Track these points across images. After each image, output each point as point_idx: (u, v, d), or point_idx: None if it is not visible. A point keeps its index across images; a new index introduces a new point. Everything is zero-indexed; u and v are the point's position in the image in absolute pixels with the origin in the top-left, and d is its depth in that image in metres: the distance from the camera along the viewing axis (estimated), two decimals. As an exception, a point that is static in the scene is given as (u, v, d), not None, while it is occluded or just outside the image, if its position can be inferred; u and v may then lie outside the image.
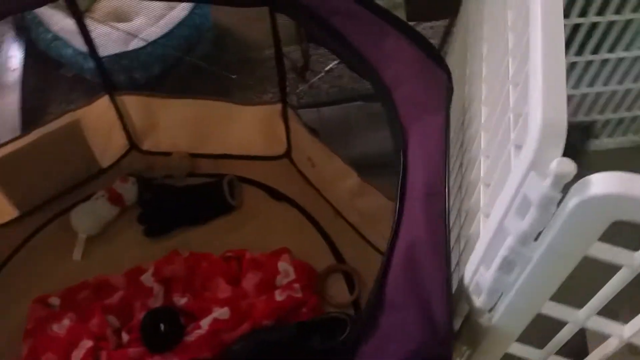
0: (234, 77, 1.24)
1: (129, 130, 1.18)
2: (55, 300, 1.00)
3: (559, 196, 0.33)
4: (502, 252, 0.40)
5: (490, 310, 0.47)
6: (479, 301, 0.47)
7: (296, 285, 1.02)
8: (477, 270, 0.45)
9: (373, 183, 1.00)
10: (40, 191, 1.10)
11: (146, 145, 1.22)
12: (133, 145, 1.21)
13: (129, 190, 1.13)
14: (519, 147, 0.40)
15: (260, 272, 1.05)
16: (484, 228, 0.46)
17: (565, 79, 0.33)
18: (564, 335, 0.46)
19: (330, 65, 1.35)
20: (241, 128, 1.17)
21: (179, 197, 1.17)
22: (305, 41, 1.42)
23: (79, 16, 0.95)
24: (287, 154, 1.22)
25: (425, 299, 0.46)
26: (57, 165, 1.10)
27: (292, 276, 1.04)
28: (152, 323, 0.97)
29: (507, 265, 0.40)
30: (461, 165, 0.62)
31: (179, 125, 1.18)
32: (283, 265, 1.06)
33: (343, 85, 1.38)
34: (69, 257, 1.07)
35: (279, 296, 1.01)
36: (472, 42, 0.72)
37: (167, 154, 1.21)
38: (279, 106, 1.11)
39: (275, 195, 1.19)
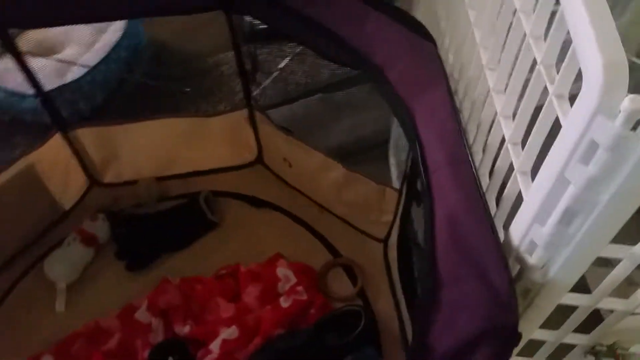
0: (187, 90, 1.20)
1: (87, 165, 1.11)
2: (48, 358, 0.93)
3: (632, 134, 0.33)
4: (565, 203, 0.39)
5: (543, 266, 0.47)
6: (532, 259, 0.46)
7: (299, 288, 1.00)
8: (529, 230, 0.44)
9: (358, 170, 0.99)
10: (5, 245, 1.02)
11: (108, 178, 1.15)
12: (94, 180, 1.14)
13: (100, 228, 1.07)
14: (561, 97, 0.40)
15: (259, 283, 1.02)
16: (527, 187, 0.46)
17: (610, 13, 0.33)
18: (619, 273, 0.46)
19: (283, 63, 1.33)
20: (207, 141, 1.13)
21: (155, 224, 1.11)
22: (247, 44, 1.39)
23: (18, 52, 0.88)
24: (259, 160, 1.19)
25: (481, 267, 0.45)
26: (19, 215, 1.02)
27: (294, 280, 1.02)
28: (160, 359, 0.92)
29: (569, 216, 0.40)
30: (466, 132, 0.62)
31: (140, 150, 1.12)
32: (281, 270, 1.03)
33: (299, 81, 1.36)
34: (51, 310, 0.99)
35: (284, 303, 0.98)
36: (444, 12, 0.72)
37: (132, 182, 1.15)
38: (244, 112, 1.08)
39: (256, 202, 1.15)
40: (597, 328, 0.54)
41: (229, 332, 0.94)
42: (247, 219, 1.13)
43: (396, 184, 1.06)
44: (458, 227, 0.48)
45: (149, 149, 1.12)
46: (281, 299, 0.99)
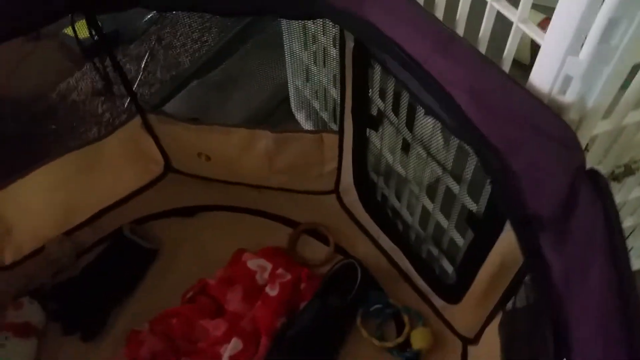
0: (53, 127, 1.03)
1: (-23, 254, 0.92)
2: None
3: None
4: (605, 15, 0.39)
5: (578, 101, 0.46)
6: (567, 97, 0.46)
7: (279, 271, 0.93)
8: (562, 67, 0.44)
9: (286, 129, 0.93)
10: None
11: (9, 258, 0.96)
12: (-8, 268, 0.95)
13: (31, 313, 0.89)
14: None
15: (236, 285, 0.93)
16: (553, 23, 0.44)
17: None
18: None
19: (143, 62, 1.20)
20: (106, 169, 0.99)
21: (89, 282, 0.96)
22: (94, 59, 1.24)
23: None
24: (168, 168, 1.07)
25: (534, 125, 0.44)
26: None
27: (269, 265, 0.95)
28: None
29: (610, 29, 0.40)
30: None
31: (32, 210, 0.94)
32: (252, 262, 0.95)
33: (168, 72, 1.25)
34: None
35: (272, 291, 0.92)
36: None
37: (38, 250, 0.98)
38: (137, 119, 0.95)
39: (186, 212, 1.05)
40: (611, 151, 0.57)
41: (233, 347, 0.86)
42: (186, 231, 1.02)
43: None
44: (487, 99, 0.46)
45: (42, 205, 0.95)
46: (267, 290, 0.92)
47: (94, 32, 0.96)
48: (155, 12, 1.44)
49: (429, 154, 0.73)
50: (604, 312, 0.36)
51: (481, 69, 0.47)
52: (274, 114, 1.19)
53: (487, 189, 0.60)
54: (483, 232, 0.65)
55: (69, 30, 1.35)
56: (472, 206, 0.68)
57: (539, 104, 0.45)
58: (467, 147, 0.60)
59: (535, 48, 0.47)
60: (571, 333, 0.36)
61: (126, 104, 1.18)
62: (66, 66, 1.34)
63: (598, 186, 0.40)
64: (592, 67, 0.43)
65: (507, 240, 0.61)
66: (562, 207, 0.40)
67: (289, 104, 1.18)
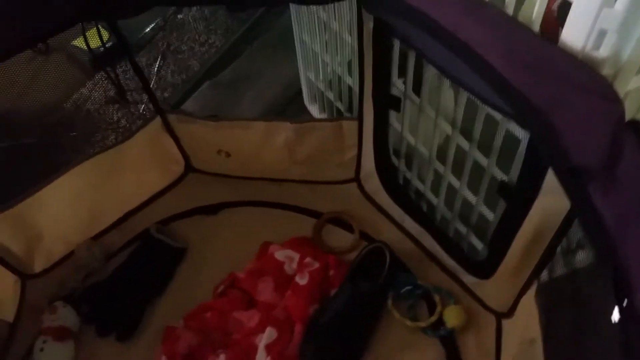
0: (73, 134, 1.04)
1: (11, 264, 0.92)
2: None
3: None
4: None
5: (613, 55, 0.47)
6: (602, 52, 0.47)
7: (307, 260, 0.94)
8: (596, 20, 0.45)
9: (305, 120, 0.94)
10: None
11: (40, 265, 0.97)
12: (25, 276, 0.95)
13: (66, 317, 0.90)
14: None
15: (266, 276, 0.94)
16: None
17: None
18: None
19: (155, 67, 1.21)
20: (129, 172, 1.00)
21: (120, 284, 0.97)
22: (107, 67, 1.25)
23: None
24: (189, 168, 1.08)
25: (573, 81, 0.45)
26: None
27: (296, 255, 0.96)
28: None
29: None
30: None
31: (60, 215, 0.95)
32: (279, 253, 0.96)
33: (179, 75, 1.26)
34: None
35: (301, 280, 0.92)
36: None
37: (68, 256, 0.99)
38: (157, 121, 0.96)
39: (210, 209, 1.05)
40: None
41: (268, 336, 0.86)
42: (211, 229, 1.03)
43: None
44: (523, 60, 0.47)
45: (69, 210, 0.96)
46: (297, 279, 0.92)
47: (104, 40, 0.98)
48: (160, 19, 1.46)
49: (455, 129, 0.74)
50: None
51: (514, 30, 0.48)
52: (287, 110, 1.20)
53: (520, 155, 0.61)
54: (517, 201, 0.66)
55: (77, 42, 1.36)
56: (503, 177, 0.69)
57: (575, 60, 0.46)
58: (496, 115, 0.61)
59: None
60: (631, 273, 0.36)
61: (142, 109, 1.19)
62: (78, 77, 1.35)
63: (640, 134, 0.41)
64: (627, 18, 0.44)
65: (541, 206, 0.62)
66: (608, 157, 0.41)
67: (301, 99, 1.19)
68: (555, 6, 0.58)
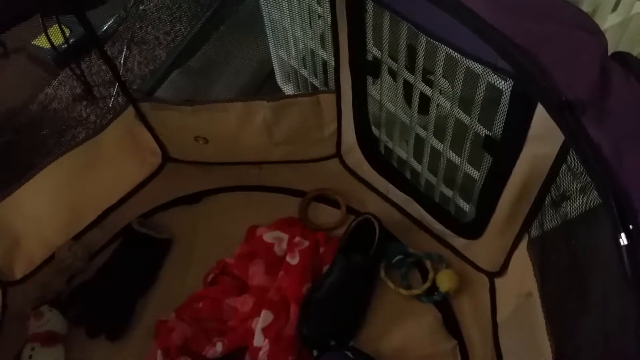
0: (43, 133, 1.00)
1: (-12, 271, 0.89)
2: None
3: None
4: None
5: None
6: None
7: (297, 239, 0.93)
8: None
9: (282, 96, 0.93)
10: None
11: (20, 271, 0.93)
12: (5, 283, 0.92)
13: (53, 321, 0.87)
14: None
15: (257, 259, 0.93)
16: None
17: None
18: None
19: (122, 59, 1.18)
20: (106, 165, 0.97)
21: (106, 282, 0.94)
22: (71, 64, 1.22)
23: None
24: (166, 158, 1.06)
25: (556, 18, 0.44)
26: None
27: (285, 236, 0.95)
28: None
29: None
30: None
31: (38, 217, 0.92)
32: (268, 235, 0.95)
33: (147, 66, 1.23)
34: None
35: (292, 260, 0.91)
36: None
37: (49, 259, 0.95)
38: (130, 110, 0.94)
39: (192, 199, 1.03)
40: (619, 47, 0.58)
41: (264, 319, 0.85)
42: (195, 218, 1.01)
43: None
44: (504, 1, 0.46)
45: (47, 209, 0.93)
46: (287, 259, 0.92)
47: (68, 35, 0.94)
48: (122, 11, 1.42)
49: (434, 90, 0.73)
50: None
51: (491, -26, 0.47)
52: (260, 91, 1.18)
53: (504, 106, 0.61)
54: (503, 154, 0.66)
55: (38, 42, 1.32)
56: (486, 132, 0.68)
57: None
58: (477, 68, 0.60)
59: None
60: (632, 197, 0.36)
61: (111, 103, 1.16)
62: (41, 77, 1.31)
63: (626, 63, 0.41)
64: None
65: (529, 154, 0.62)
66: (597, 88, 0.41)
67: (274, 79, 1.17)
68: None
